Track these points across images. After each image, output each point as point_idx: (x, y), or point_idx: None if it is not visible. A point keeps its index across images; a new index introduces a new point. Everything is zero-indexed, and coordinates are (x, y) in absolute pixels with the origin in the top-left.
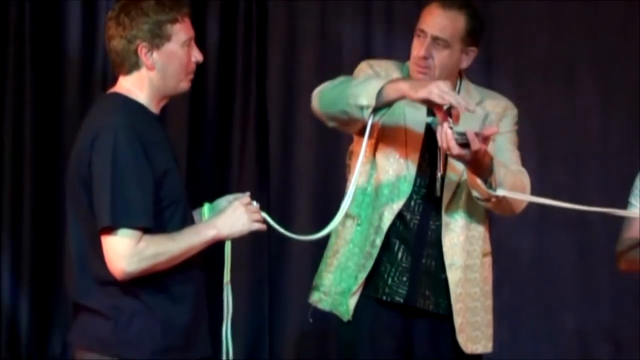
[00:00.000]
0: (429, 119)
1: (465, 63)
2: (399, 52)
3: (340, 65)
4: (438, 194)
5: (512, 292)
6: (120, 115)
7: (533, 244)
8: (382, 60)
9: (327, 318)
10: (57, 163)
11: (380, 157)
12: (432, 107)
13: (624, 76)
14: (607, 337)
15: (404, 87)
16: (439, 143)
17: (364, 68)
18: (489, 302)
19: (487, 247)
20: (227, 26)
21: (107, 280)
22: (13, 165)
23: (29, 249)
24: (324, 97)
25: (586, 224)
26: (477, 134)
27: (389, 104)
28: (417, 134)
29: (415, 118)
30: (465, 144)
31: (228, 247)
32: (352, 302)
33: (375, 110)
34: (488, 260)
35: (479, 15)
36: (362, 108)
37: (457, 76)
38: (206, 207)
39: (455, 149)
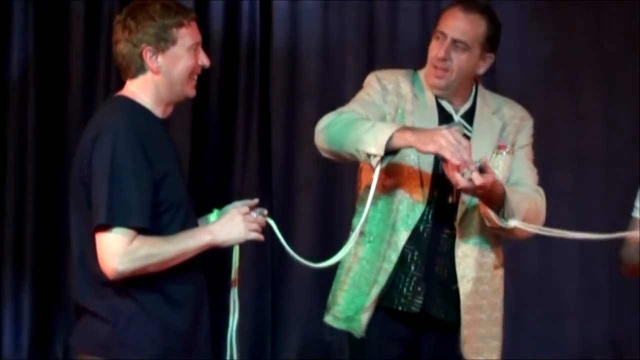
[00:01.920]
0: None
1: (482, 69)
2: (402, 59)
3: (343, 69)
4: (454, 200)
5: (514, 298)
6: (122, 116)
7: (535, 249)
8: (390, 71)
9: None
10: (60, 164)
11: (392, 172)
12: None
13: (627, 82)
14: (609, 343)
15: (410, 139)
16: (448, 176)
17: (371, 83)
18: (497, 314)
19: (499, 260)
20: (230, 29)
21: (104, 281)
22: (16, 165)
23: (31, 252)
24: (331, 137)
25: (589, 228)
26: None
27: (396, 152)
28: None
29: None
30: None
31: (236, 251)
32: (365, 317)
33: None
34: (499, 272)
35: (498, 20)
36: (369, 156)
37: (473, 82)
38: (215, 214)
39: (462, 182)
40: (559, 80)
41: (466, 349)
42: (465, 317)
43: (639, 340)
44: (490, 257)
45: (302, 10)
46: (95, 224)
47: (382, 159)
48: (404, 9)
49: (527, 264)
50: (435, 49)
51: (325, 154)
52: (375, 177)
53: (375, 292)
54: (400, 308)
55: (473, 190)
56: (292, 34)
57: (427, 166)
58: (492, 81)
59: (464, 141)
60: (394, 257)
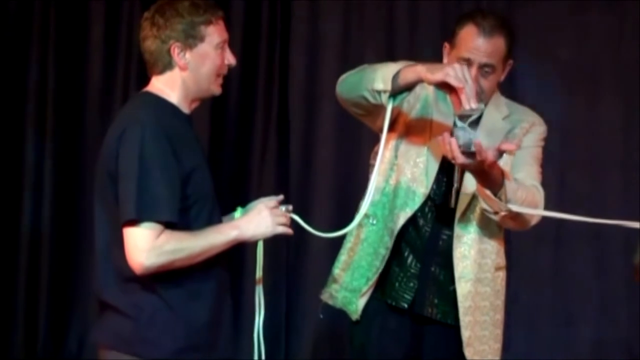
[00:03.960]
0: (454, 130)
1: (503, 76)
2: (421, 54)
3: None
4: (452, 204)
5: (530, 303)
6: (148, 112)
7: (550, 254)
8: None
9: (342, 319)
10: (78, 162)
11: (401, 158)
12: (447, 91)
13: None
14: (623, 348)
15: (420, 69)
16: (444, 151)
17: (399, 63)
18: (499, 316)
19: (501, 261)
20: (251, 28)
21: (128, 276)
22: (35, 161)
23: (47, 247)
24: (345, 83)
25: (603, 234)
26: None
27: (408, 88)
28: (440, 142)
29: (442, 125)
30: (471, 154)
31: (260, 247)
32: (362, 302)
33: (395, 94)
34: (501, 274)
35: (512, 27)
36: (379, 92)
37: (495, 91)
38: (238, 211)
39: (460, 158)
40: (577, 86)
41: (470, 351)
42: (465, 318)
43: None
44: (491, 259)
45: (322, 10)
46: (123, 219)
47: (395, 97)
48: (424, 9)
49: (541, 268)
50: None
51: (348, 107)
52: (388, 114)
53: (373, 277)
54: (389, 301)
55: (470, 166)
56: (312, 34)
57: (435, 162)
58: (511, 87)
59: (471, 79)
60: (389, 243)
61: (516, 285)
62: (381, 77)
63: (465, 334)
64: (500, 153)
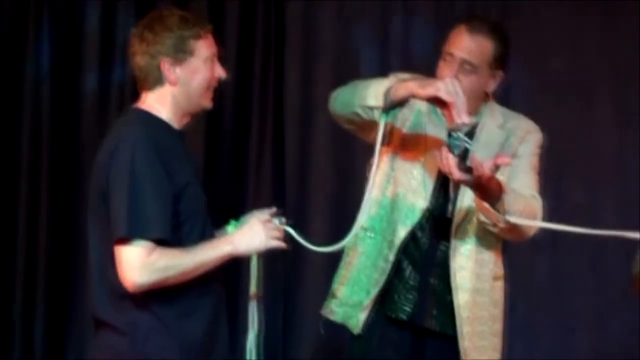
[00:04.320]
0: (449, 140)
1: (492, 87)
2: (416, 66)
3: (357, 78)
4: (449, 215)
5: (528, 312)
6: (139, 128)
7: (548, 263)
8: (411, 74)
9: (341, 331)
10: (75, 174)
11: (398, 172)
12: (439, 106)
13: None
14: (621, 357)
15: (411, 85)
16: (441, 167)
17: (391, 79)
18: (498, 326)
19: (499, 271)
20: (245, 38)
21: (122, 293)
22: (30, 172)
23: (44, 262)
24: (338, 100)
25: (601, 243)
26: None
27: (399, 104)
28: (435, 154)
29: (436, 137)
30: (468, 168)
31: (254, 262)
32: (362, 316)
33: (387, 110)
34: (499, 284)
35: (507, 38)
36: (371, 109)
37: (482, 99)
38: (232, 225)
39: (456, 174)
40: (572, 94)
41: None
42: (463, 328)
43: None
44: (489, 268)
45: (316, 21)
46: (115, 237)
47: (387, 112)
48: (419, 18)
49: (538, 278)
50: (444, 71)
51: (342, 123)
52: (381, 130)
53: (374, 291)
54: (389, 314)
55: (468, 182)
56: (307, 47)
57: (432, 173)
58: (506, 95)
59: (462, 93)
60: (391, 257)
61: (513, 294)
62: (373, 93)
63: (463, 344)
64: (497, 167)
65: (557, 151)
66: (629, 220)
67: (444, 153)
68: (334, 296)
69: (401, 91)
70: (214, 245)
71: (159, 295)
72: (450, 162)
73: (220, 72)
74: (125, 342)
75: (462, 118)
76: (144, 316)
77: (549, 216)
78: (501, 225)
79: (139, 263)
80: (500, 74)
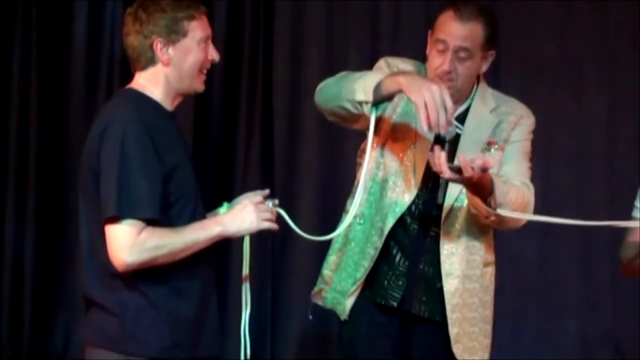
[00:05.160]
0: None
1: (485, 67)
2: (405, 52)
3: (346, 64)
4: (440, 200)
5: (515, 297)
6: (130, 108)
7: (536, 248)
8: (401, 59)
9: (329, 318)
10: (62, 156)
11: (388, 158)
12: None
13: (631, 81)
14: (609, 342)
15: (402, 81)
16: (432, 166)
17: (381, 65)
18: (488, 312)
19: (490, 257)
20: (233, 26)
21: (112, 273)
22: (17, 157)
23: (31, 244)
24: (324, 93)
25: (589, 228)
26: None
27: (389, 98)
28: (426, 140)
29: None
30: (459, 169)
31: (247, 243)
32: (350, 302)
33: (376, 104)
34: (490, 270)
35: (494, 17)
36: (360, 104)
37: (474, 81)
38: (224, 207)
39: (447, 173)
40: (563, 80)
41: (458, 348)
42: (452, 315)
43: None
44: (479, 255)
45: (305, 7)
46: (104, 216)
47: (377, 106)
48: (408, 6)
49: (527, 264)
50: (438, 60)
51: (326, 115)
52: (371, 125)
53: (360, 276)
54: (379, 300)
55: (458, 180)
56: (296, 31)
57: (422, 160)
58: (497, 81)
59: (450, 103)
60: (378, 243)
61: (501, 279)
62: (362, 88)
63: (453, 330)
64: (485, 170)
65: (547, 138)
66: (618, 205)
67: (436, 152)
68: (323, 282)
69: (392, 86)
70: (204, 225)
71: (149, 276)
72: (441, 161)
73: (213, 55)
74: (116, 322)
75: (441, 128)
76: (134, 296)
77: (539, 201)
78: (492, 218)
79: (128, 242)
80: (492, 53)
